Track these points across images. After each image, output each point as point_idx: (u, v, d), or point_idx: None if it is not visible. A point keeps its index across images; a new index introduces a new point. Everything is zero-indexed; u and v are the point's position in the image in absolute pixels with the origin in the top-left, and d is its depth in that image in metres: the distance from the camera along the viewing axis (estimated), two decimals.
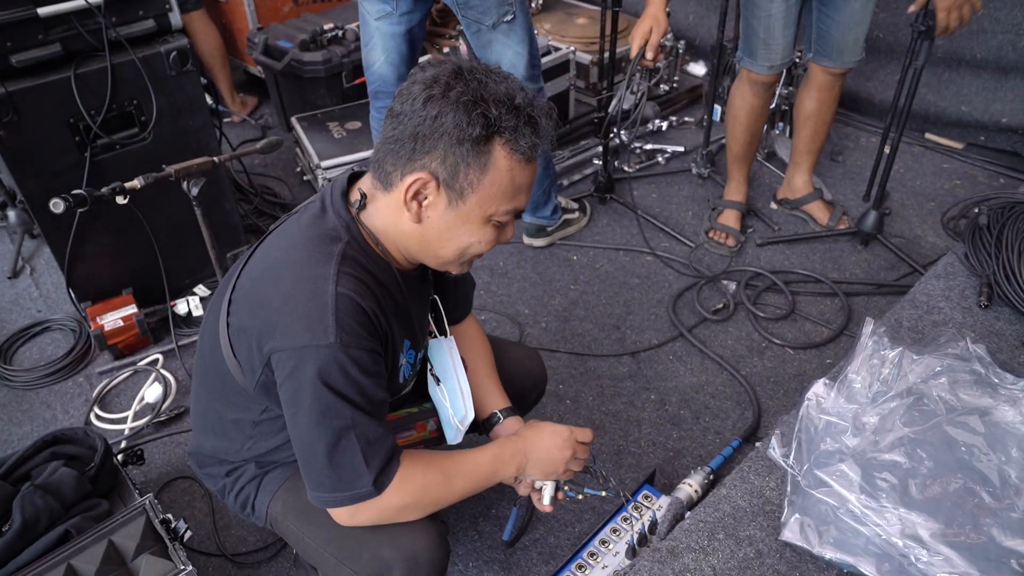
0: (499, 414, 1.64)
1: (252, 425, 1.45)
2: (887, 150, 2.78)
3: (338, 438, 1.23)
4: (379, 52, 2.49)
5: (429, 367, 1.57)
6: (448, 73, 1.20)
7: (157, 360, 2.51)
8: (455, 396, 1.56)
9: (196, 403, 1.58)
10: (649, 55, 2.45)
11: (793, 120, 2.99)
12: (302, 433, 1.26)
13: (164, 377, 2.47)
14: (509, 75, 1.24)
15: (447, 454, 1.39)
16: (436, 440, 1.62)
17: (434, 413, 1.60)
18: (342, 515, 1.31)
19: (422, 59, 1.31)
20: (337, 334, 1.19)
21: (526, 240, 3.01)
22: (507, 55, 2.41)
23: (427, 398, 1.61)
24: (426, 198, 1.24)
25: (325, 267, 1.23)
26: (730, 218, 3.02)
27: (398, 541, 1.38)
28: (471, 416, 1.57)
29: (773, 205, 3.19)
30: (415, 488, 1.32)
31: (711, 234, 3.00)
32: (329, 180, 1.44)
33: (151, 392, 2.38)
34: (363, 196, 1.32)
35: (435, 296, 1.58)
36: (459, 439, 1.59)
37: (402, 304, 1.38)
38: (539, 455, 1.45)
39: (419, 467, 1.33)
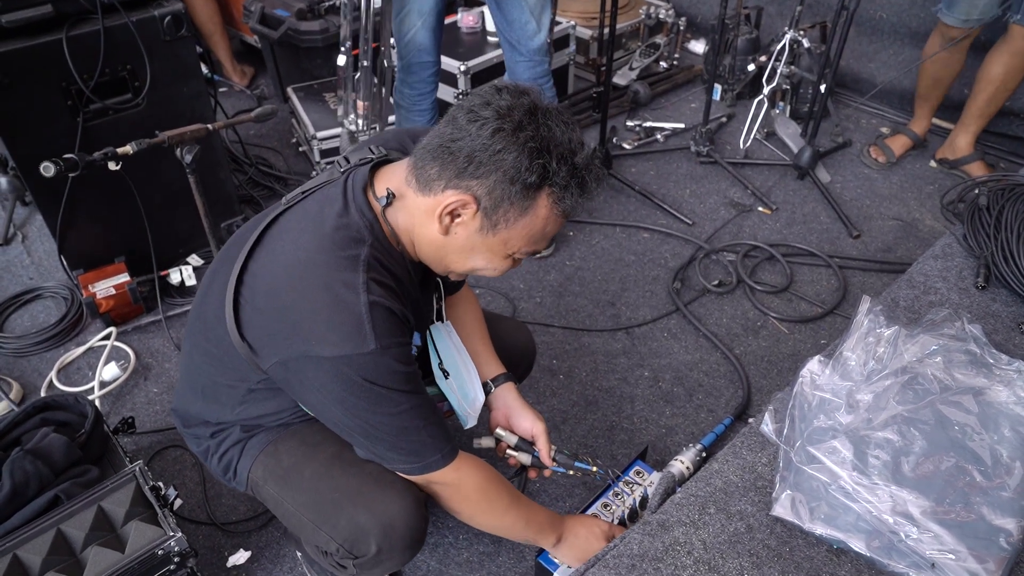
0: (491, 383, 1.68)
1: (246, 391, 1.44)
2: (823, 88, 3.03)
3: (400, 420, 1.30)
4: (415, 17, 2.43)
5: (438, 362, 1.57)
6: (524, 111, 1.19)
7: (111, 334, 2.47)
8: (463, 383, 1.58)
9: (188, 363, 1.56)
10: None
11: (975, 81, 2.98)
12: (359, 427, 1.31)
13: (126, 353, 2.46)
14: (574, 124, 1.24)
15: (523, 496, 1.57)
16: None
17: (442, 398, 1.61)
18: (418, 478, 1.42)
19: (498, 81, 1.21)
20: (376, 340, 1.20)
21: None
22: (523, 16, 2.46)
23: (431, 381, 1.60)
24: (459, 216, 1.25)
25: (353, 274, 1.22)
26: (897, 142, 3.26)
27: (375, 507, 1.40)
28: (481, 398, 1.61)
29: (932, 164, 3.25)
30: (485, 491, 1.46)
31: (870, 149, 3.28)
32: (346, 163, 1.38)
33: (107, 371, 2.37)
34: (391, 195, 1.29)
35: (439, 279, 1.58)
36: (474, 422, 1.62)
37: (415, 296, 1.40)
38: (576, 540, 1.58)
39: (494, 478, 1.48)
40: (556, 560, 1.61)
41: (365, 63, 2.68)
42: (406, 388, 1.28)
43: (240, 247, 1.34)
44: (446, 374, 1.57)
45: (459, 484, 1.43)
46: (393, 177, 1.32)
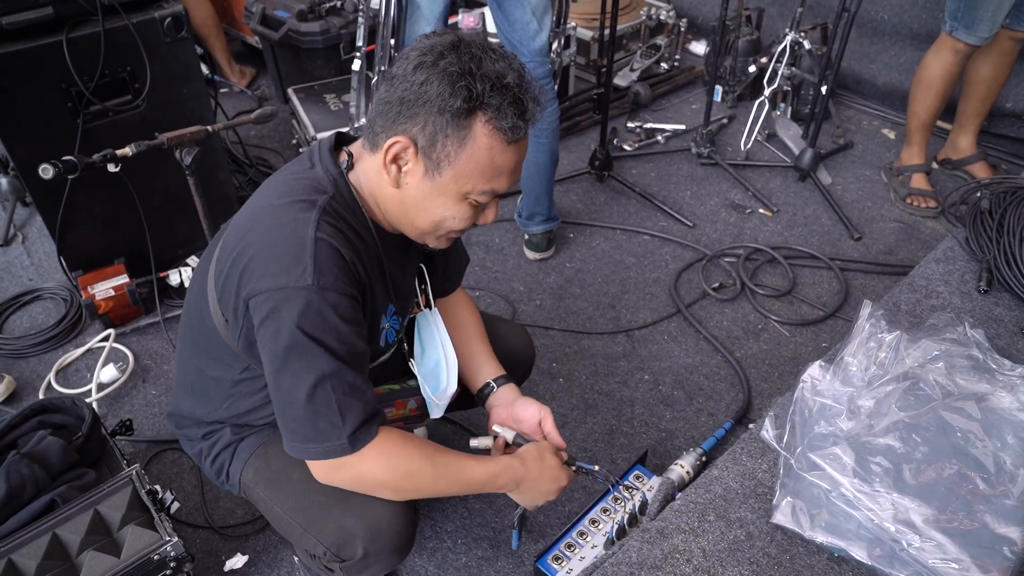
0: (493, 384, 1.64)
1: (231, 384, 1.45)
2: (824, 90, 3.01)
3: (314, 386, 1.20)
4: (424, 24, 2.42)
5: (418, 348, 1.56)
6: (446, 44, 1.19)
7: (109, 336, 2.46)
8: (439, 371, 1.56)
9: (179, 360, 1.58)
10: None
11: (964, 83, 2.96)
12: (278, 379, 1.23)
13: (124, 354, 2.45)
14: (510, 55, 1.22)
15: (444, 449, 1.37)
16: (418, 418, 1.61)
17: (416, 392, 1.59)
18: (319, 470, 1.29)
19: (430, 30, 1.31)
20: (315, 276, 1.18)
21: (533, 256, 2.84)
22: (524, 15, 2.38)
23: (410, 375, 1.60)
24: (406, 163, 1.24)
25: (306, 213, 1.23)
26: (920, 181, 3.06)
27: (362, 510, 1.38)
28: (453, 388, 1.57)
29: (934, 165, 3.20)
30: (398, 468, 1.31)
31: (910, 200, 3.04)
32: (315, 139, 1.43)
33: (105, 373, 2.35)
34: (350, 156, 1.32)
35: (422, 265, 1.57)
36: (439, 414, 1.60)
37: (383, 264, 1.37)
38: (533, 485, 1.47)
39: (409, 450, 1.32)
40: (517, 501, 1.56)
41: (383, 67, 2.67)
42: (333, 346, 1.20)
43: (219, 233, 1.40)
44: (411, 356, 1.55)
45: (365, 474, 1.29)
46: (354, 145, 1.36)
